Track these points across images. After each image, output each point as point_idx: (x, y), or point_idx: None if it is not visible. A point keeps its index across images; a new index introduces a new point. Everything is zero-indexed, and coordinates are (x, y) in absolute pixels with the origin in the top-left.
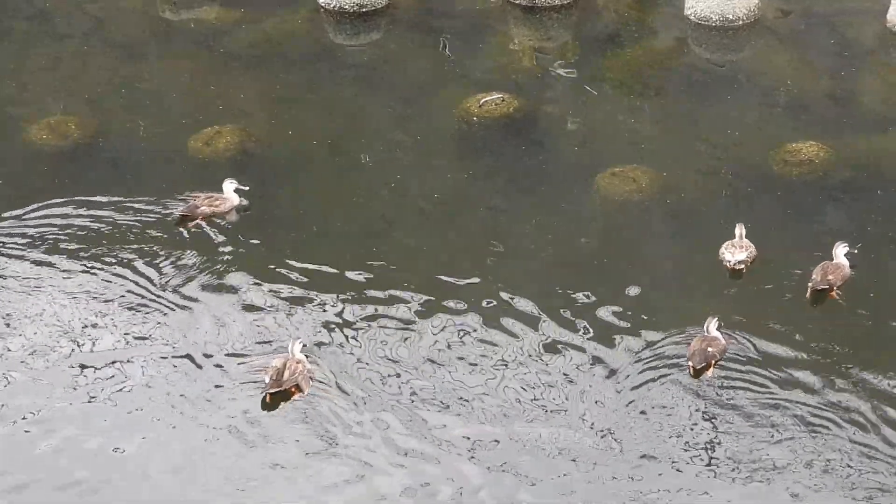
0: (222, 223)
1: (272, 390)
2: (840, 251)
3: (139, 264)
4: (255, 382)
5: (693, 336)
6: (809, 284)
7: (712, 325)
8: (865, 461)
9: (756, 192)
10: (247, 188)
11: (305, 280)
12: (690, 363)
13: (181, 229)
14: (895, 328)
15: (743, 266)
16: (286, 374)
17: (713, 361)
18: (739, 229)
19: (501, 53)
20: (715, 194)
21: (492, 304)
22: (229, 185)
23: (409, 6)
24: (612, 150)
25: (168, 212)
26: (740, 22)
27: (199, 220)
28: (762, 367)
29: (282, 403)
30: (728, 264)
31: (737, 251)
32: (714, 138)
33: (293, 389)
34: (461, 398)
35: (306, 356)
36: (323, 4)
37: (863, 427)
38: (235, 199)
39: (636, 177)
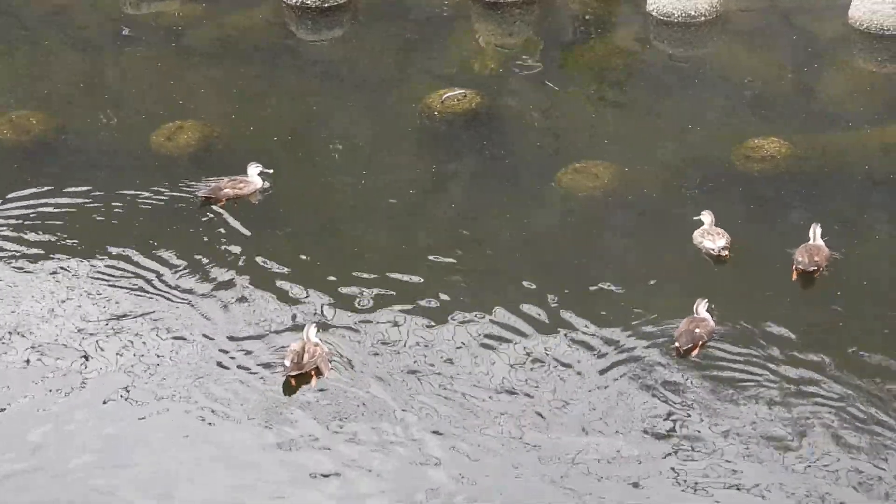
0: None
1: (294, 373)
2: (819, 232)
3: (102, 259)
4: (261, 368)
5: (673, 325)
6: (799, 267)
7: (702, 307)
8: (851, 449)
9: (718, 188)
10: (271, 171)
11: (265, 275)
12: (677, 344)
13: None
14: (867, 315)
15: (727, 252)
16: (305, 357)
17: (700, 343)
18: (709, 216)
19: (464, 49)
20: (677, 189)
21: (453, 300)
22: (254, 169)
23: (372, 2)
24: (575, 145)
25: (161, 199)
26: (703, 18)
27: (222, 203)
28: (746, 350)
29: (302, 387)
30: (712, 252)
31: (716, 238)
32: (676, 134)
33: (312, 372)
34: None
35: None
36: (285, 0)
37: (845, 411)
38: (259, 183)
39: (598, 172)
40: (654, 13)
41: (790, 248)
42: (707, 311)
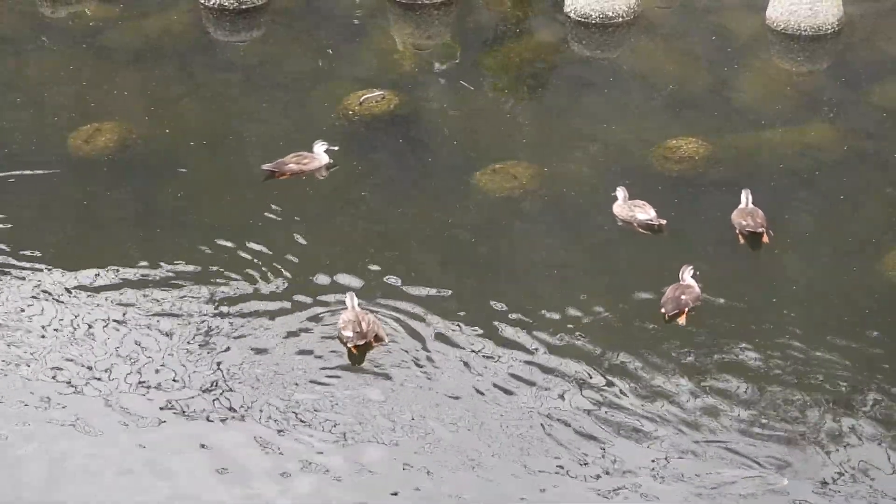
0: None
1: (360, 342)
2: (750, 197)
3: (13, 262)
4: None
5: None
6: (748, 229)
7: (687, 273)
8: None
9: (637, 188)
10: (336, 148)
11: (182, 279)
12: (664, 310)
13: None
14: (784, 318)
15: (664, 220)
16: (364, 325)
17: (686, 309)
18: (623, 191)
19: (382, 51)
20: (595, 189)
21: (369, 301)
22: (320, 146)
23: (290, 3)
24: (493, 146)
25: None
26: (620, 19)
27: (286, 176)
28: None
29: (367, 354)
30: (650, 222)
31: (645, 208)
32: (594, 134)
33: (373, 340)
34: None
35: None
36: (202, 1)
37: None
38: (324, 159)
39: (517, 173)
40: (571, 14)
41: (709, 248)
42: (692, 277)
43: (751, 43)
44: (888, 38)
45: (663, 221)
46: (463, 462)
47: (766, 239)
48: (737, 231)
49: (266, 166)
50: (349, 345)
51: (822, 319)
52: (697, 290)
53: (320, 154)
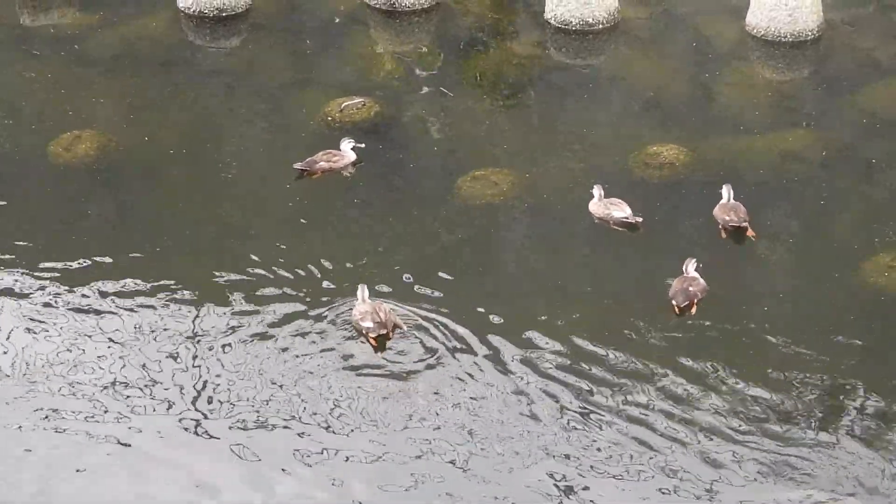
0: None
1: (382, 332)
2: (731, 193)
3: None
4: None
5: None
6: (731, 224)
7: (691, 266)
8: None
9: (617, 194)
10: (362, 145)
11: (164, 287)
12: (674, 302)
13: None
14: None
15: (640, 217)
16: (382, 315)
17: (695, 300)
18: (598, 189)
19: (362, 58)
20: (577, 197)
21: (350, 309)
22: (347, 144)
23: (270, 11)
24: (474, 153)
25: None
26: (600, 25)
27: (317, 175)
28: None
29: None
30: (626, 219)
31: (621, 206)
32: (575, 141)
33: (391, 330)
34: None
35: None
36: (182, 9)
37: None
38: (352, 156)
39: (498, 180)
40: (552, 21)
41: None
42: (696, 270)
43: (731, 49)
44: (868, 44)
45: (639, 219)
46: (451, 472)
47: (751, 233)
48: (720, 226)
49: (297, 165)
50: (371, 335)
51: (801, 325)
52: (703, 281)
53: (348, 151)
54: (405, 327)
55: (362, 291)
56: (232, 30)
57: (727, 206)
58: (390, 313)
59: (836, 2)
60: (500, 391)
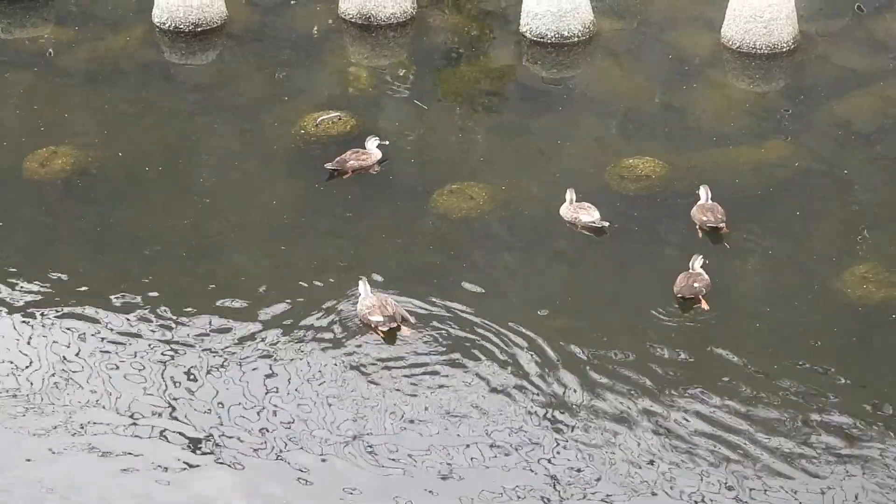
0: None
1: (393, 325)
2: (709, 194)
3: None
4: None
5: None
6: (709, 224)
7: (697, 263)
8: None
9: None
10: (387, 143)
11: (142, 302)
12: (680, 296)
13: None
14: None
15: (607, 222)
16: (389, 308)
17: (700, 296)
18: (570, 193)
19: (338, 72)
20: (553, 209)
21: (328, 325)
22: (372, 142)
23: (246, 25)
24: (450, 167)
25: None
26: (576, 38)
27: (348, 174)
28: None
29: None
30: (593, 223)
31: (589, 210)
32: (551, 154)
33: (400, 324)
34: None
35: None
36: (158, 24)
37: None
38: (378, 154)
39: (474, 193)
40: (527, 34)
41: (667, 266)
42: (702, 266)
43: (707, 62)
44: (843, 55)
45: (606, 223)
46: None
47: (726, 230)
48: (697, 227)
49: (329, 165)
50: (382, 329)
51: (778, 337)
52: (707, 277)
53: (374, 149)
54: (413, 320)
55: (364, 285)
56: (207, 44)
57: (704, 207)
58: (397, 306)
59: (811, 14)
60: (482, 401)
